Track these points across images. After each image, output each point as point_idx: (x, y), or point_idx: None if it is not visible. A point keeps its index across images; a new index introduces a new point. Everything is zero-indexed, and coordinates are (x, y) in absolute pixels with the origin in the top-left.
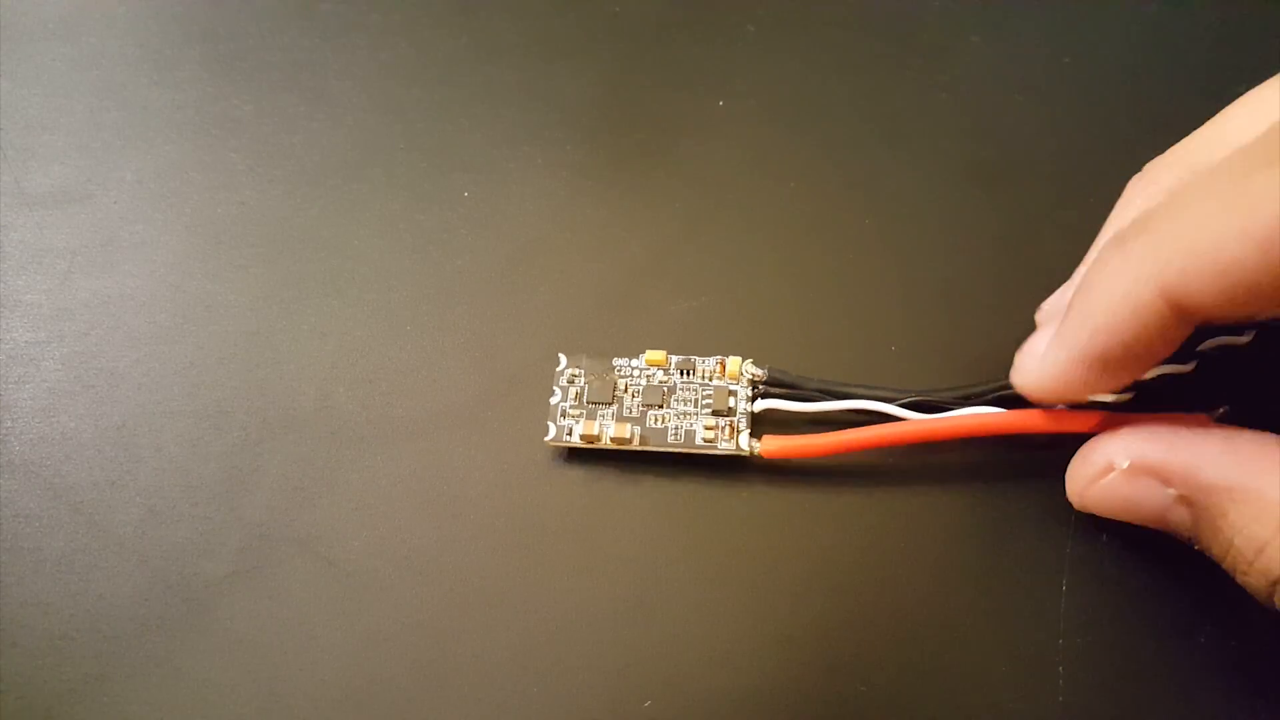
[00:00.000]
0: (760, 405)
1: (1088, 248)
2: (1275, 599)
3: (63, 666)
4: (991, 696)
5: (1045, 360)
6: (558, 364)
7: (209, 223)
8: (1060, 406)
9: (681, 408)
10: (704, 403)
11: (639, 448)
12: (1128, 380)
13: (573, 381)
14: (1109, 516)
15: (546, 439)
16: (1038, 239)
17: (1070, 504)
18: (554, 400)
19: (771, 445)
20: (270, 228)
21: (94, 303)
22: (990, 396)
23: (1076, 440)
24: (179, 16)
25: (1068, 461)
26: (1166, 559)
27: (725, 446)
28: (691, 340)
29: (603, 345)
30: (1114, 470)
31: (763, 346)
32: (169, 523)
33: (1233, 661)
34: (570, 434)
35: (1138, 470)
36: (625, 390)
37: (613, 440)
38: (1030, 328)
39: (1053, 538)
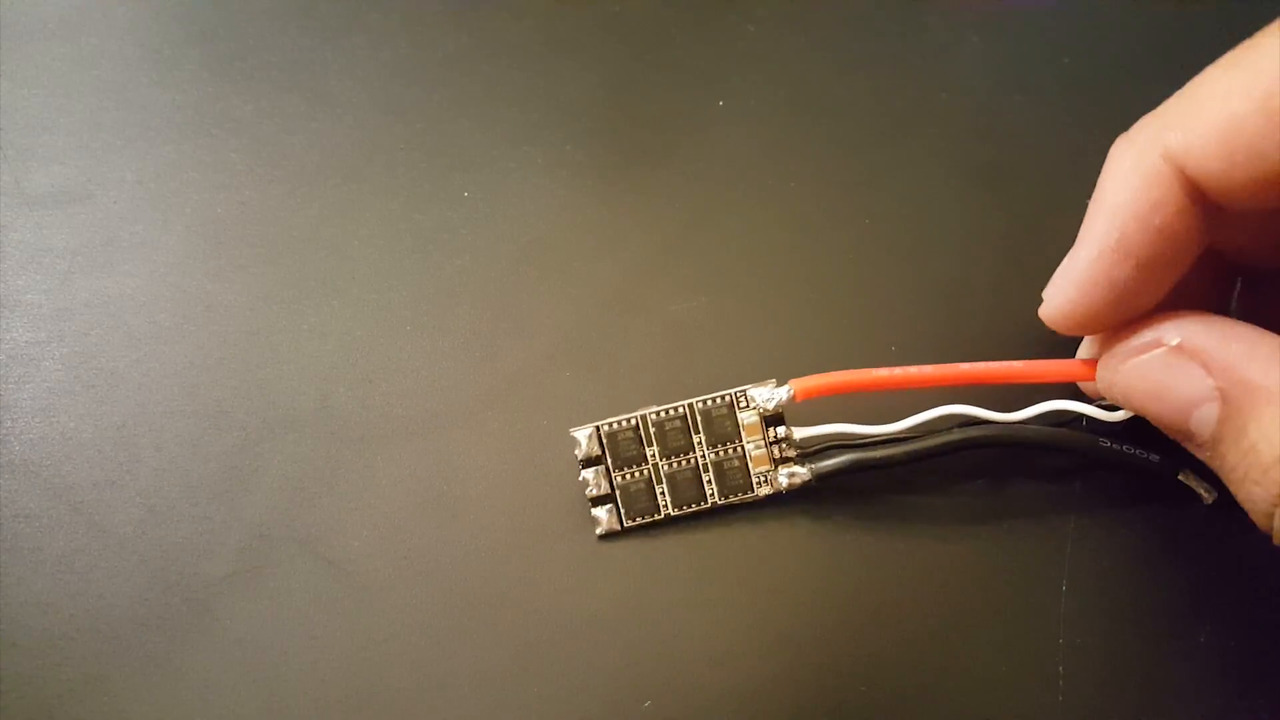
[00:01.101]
0: (798, 433)
1: None
2: (1276, 518)
3: (63, 666)
4: (991, 696)
5: (1068, 270)
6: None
7: (209, 222)
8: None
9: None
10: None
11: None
12: (1157, 289)
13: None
14: (1130, 404)
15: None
16: (1038, 239)
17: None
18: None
19: (807, 387)
20: (270, 228)
21: (94, 303)
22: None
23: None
24: (179, 16)
25: (1068, 458)
26: (1167, 559)
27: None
28: (691, 340)
29: (603, 345)
30: (1160, 348)
31: (762, 346)
32: (169, 523)
33: (1233, 661)
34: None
35: (1184, 351)
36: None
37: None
38: (1031, 327)
39: (1053, 538)
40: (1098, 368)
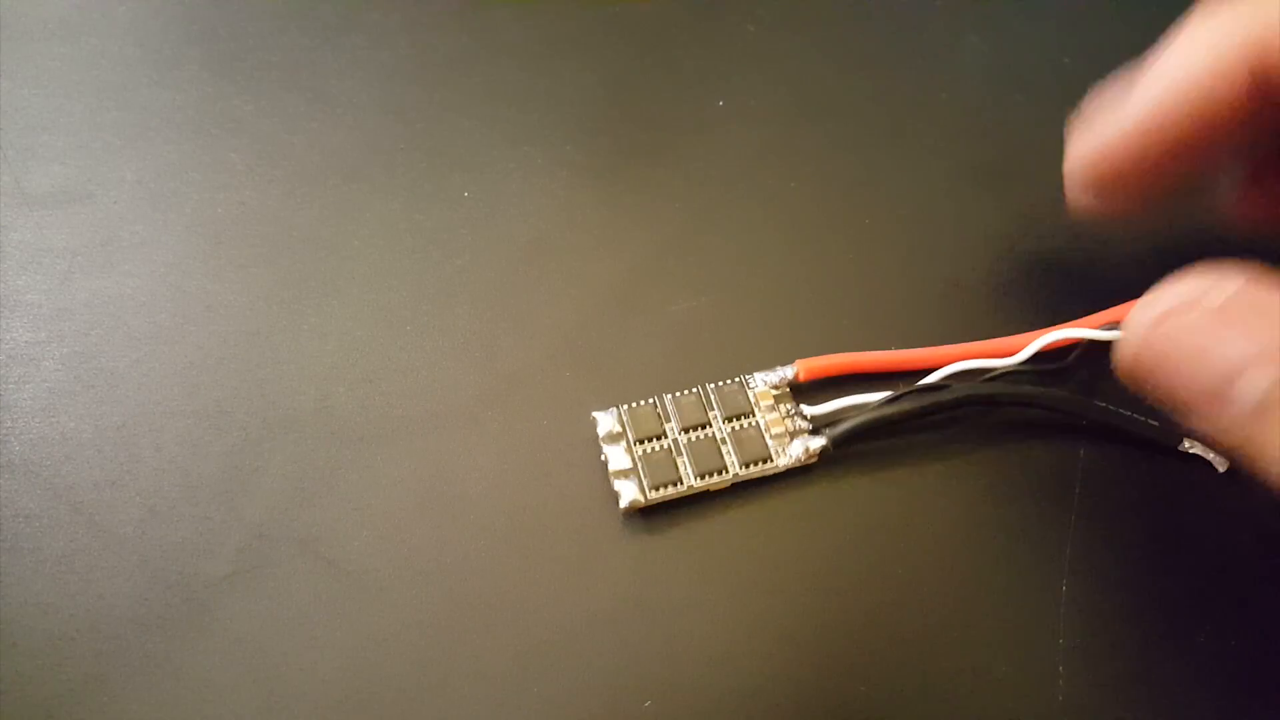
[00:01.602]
0: (810, 410)
1: (1087, 247)
2: None
3: (63, 666)
4: (991, 696)
5: (1110, 119)
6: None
7: (209, 223)
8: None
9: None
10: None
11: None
12: (1177, 177)
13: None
14: (1162, 372)
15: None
16: (1038, 239)
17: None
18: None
19: (812, 366)
20: (270, 227)
21: (94, 303)
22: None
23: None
24: (179, 16)
25: (1067, 462)
26: (1167, 560)
27: (783, 461)
28: (691, 340)
29: (603, 345)
30: (1200, 308)
31: (762, 346)
32: (169, 523)
33: (1233, 661)
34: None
35: (1229, 311)
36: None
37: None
38: (1032, 327)
39: (1053, 538)
40: (1123, 332)
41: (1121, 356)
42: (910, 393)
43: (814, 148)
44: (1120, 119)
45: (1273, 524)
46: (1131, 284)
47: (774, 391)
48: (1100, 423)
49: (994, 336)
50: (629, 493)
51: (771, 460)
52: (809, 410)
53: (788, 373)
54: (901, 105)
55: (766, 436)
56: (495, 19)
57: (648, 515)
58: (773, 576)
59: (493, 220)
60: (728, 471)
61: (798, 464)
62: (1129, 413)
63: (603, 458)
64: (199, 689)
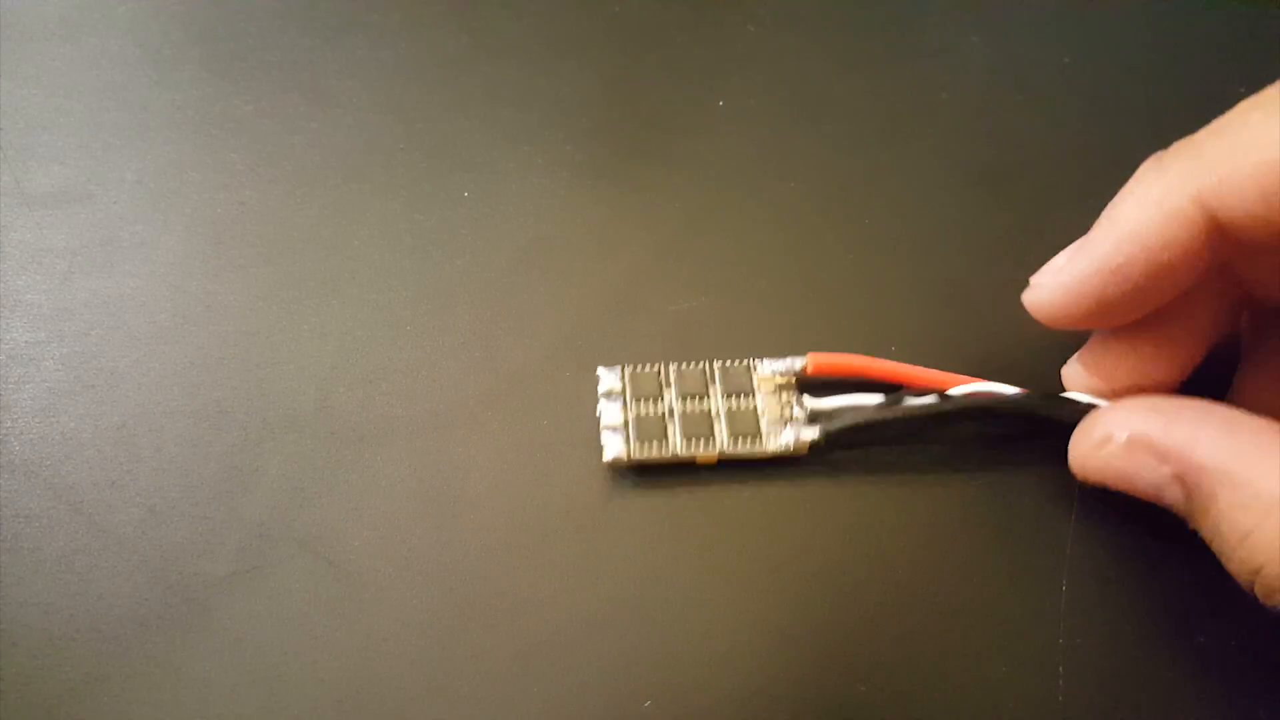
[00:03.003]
0: (812, 403)
1: None
2: (1256, 588)
3: (63, 666)
4: (991, 696)
5: (1064, 271)
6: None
7: (209, 223)
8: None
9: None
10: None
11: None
12: (1137, 313)
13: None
14: (1108, 487)
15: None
16: (1038, 239)
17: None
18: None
19: (821, 363)
20: (270, 227)
21: (94, 303)
22: None
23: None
24: (179, 16)
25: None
26: (1166, 560)
27: (771, 446)
28: (692, 340)
29: (603, 345)
30: (1112, 443)
31: (762, 346)
32: (169, 523)
33: (1233, 661)
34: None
35: (1135, 445)
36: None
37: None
38: (1032, 327)
39: (1053, 538)
40: (1069, 453)
41: (1073, 469)
42: (912, 398)
43: (814, 148)
44: (1070, 275)
45: None
46: None
47: (779, 379)
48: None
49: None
50: (615, 447)
51: (760, 441)
52: (810, 402)
53: (796, 364)
54: (901, 105)
55: (761, 419)
56: (495, 19)
57: (650, 509)
58: (772, 577)
59: (493, 220)
60: (714, 444)
61: (786, 452)
62: None
63: (597, 412)
64: (199, 689)
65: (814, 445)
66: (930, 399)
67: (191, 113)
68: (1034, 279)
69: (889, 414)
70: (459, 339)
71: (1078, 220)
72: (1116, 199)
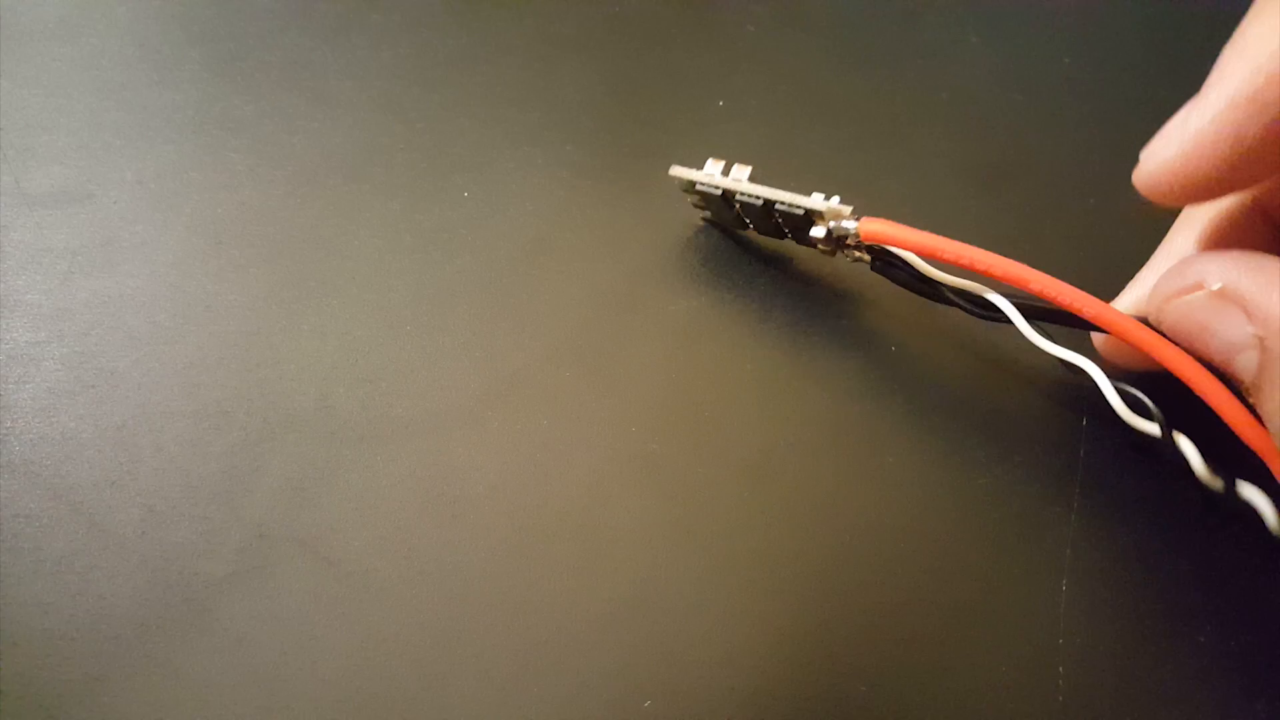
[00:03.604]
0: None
1: (1087, 248)
2: None
3: (63, 666)
4: (991, 696)
5: (1186, 122)
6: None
7: (209, 223)
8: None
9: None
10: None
11: (749, 188)
12: (1265, 173)
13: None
14: (1178, 341)
15: (672, 172)
16: (1038, 239)
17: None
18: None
19: (872, 228)
20: (271, 228)
21: (94, 303)
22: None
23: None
24: (179, 16)
25: (1068, 461)
26: (1166, 560)
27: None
28: (691, 340)
29: (603, 345)
30: (1202, 290)
31: (763, 346)
32: (169, 523)
33: (1233, 661)
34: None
35: (1226, 296)
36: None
37: (735, 191)
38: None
39: (1053, 538)
40: (1149, 296)
41: (1150, 315)
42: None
43: (813, 148)
44: (1199, 119)
45: None
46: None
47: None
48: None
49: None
50: (679, 168)
51: (807, 208)
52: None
53: (849, 226)
54: (901, 105)
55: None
56: (495, 19)
57: (650, 509)
58: (773, 576)
59: (493, 220)
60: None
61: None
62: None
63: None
64: (199, 689)
65: (854, 246)
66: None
67: (192, 113)
68: (1146, 150)
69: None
70: (459, 339)
71: (1078, 220)
72: (1238, 30)
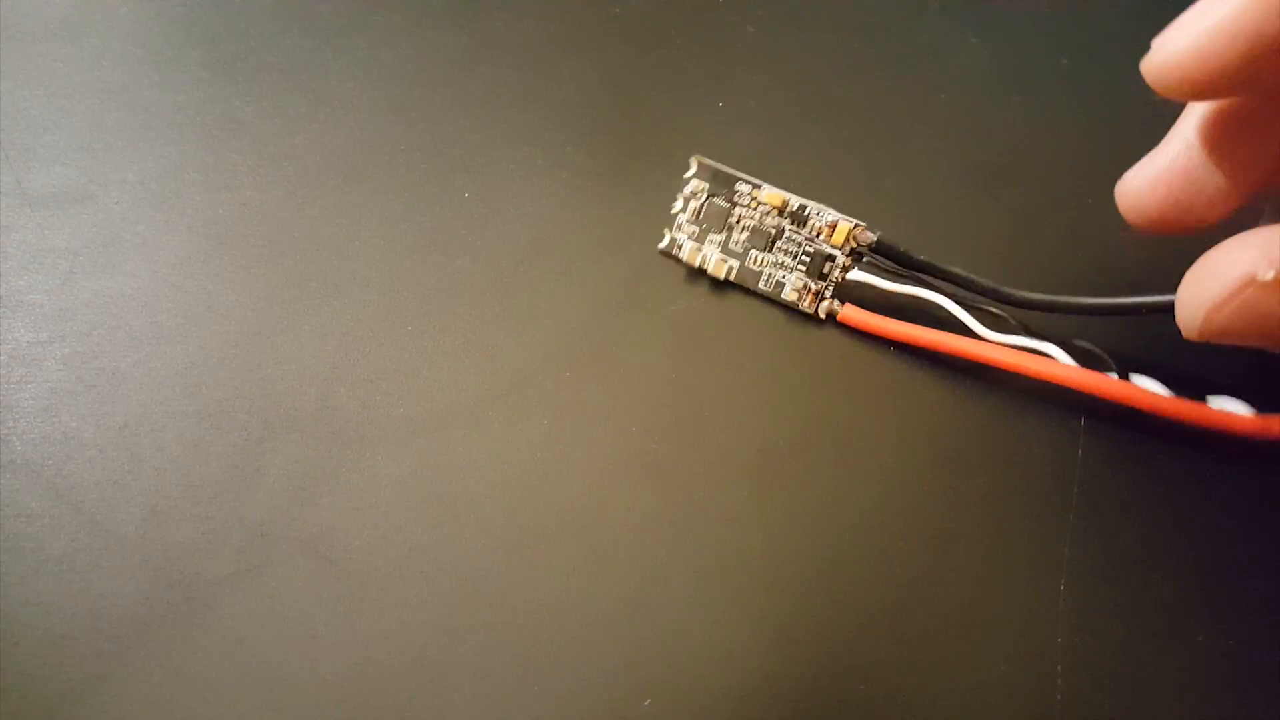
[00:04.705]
0: (854, 275)
1: (1087, 248)
2: None
3: (64, 666)
4: (990, 695)
5: (1208, 17)
6: (688, 169)
7: (210, 223)
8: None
9: (782, 257)
10: (802, 258)
11: (733, 279)
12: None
13: (695, 196)
14: (1233, 342)
15: (659, 246)
16: (1038, 239)
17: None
18: (675, 209)
19: (850, 314)
20: (272, 228)
21: (95, 303)
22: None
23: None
24: (181, 17)
25: (1066, 461)
26: (1166, 560)
27: (807, 307)
28: (691, 340)
29: (603, 345)
30: (1254, 284)
31: (762, 346)
32: (170, 522)
33: (1232, 661)
34: (680, 249)
35: None
36: (738, 222)
37: (711, 273)
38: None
39: (1052, 538)
40: (1178, 312)
41: (1186, 334)
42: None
43: (814, 148)
44: (1221, 8)
45: (1274, 523)
46: (1132, 285)
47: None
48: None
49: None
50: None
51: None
52: (858, 275)
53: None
54: (901, 105)
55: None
56: (495, 19)
57: (650, 508)
58: (772, 576)
59: (493, 220)
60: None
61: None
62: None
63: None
64: (200, 688)
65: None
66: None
67: (193, 113)
68: (1161, 37)
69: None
70: (459, 339)
71: (1078, 220)
72: None
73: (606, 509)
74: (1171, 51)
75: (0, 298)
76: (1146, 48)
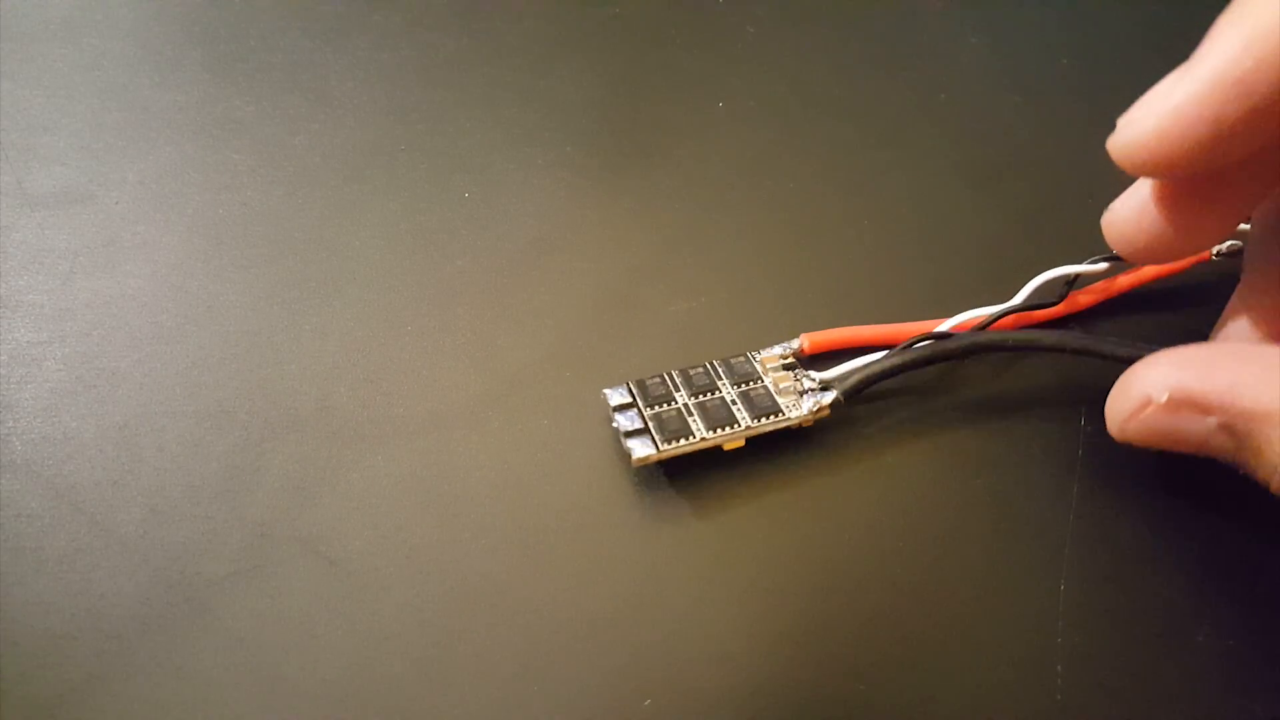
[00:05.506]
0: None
1: (1087, 248)
2: None
3: (64, 666)
4: (990, 696)
5: (1168, 94)
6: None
7: (211, 223)
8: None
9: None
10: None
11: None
12: (1250, 143)
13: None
14: (1152, 447)
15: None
16: (1037, 239)
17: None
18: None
19: (818, 338)
20: (272, 228)
21: (96, 303)
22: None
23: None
24: (181, 18)
25: (1066, 461)
26: (1166, 560)
27: (794, 414)
28: (692, 340)
29: (603, 345)
30: (1152, 404)
31: (763, 346)
32: (170, 522)
33: (1232, 661)
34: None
35: (1177, 403)
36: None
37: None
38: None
39: (1052, 538)
40: (1107, 419)
41: (1112, 432)
42: (916, 344)
43: (814, 148)
44: (1181, 92)
45: (1273, 522)
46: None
47: (781, 360)
48: (1102, 354)
49: None
50: (642, 449)
51: (782, 414)
52: (817, 374)
53: (793, 345)
54: (901, 105)
55: (775, 394)
56: (495, 19)
57: (650, 508)
58: (773, 576)
59: (493, 221)
60: (739, 425)
61: (810, 419)
62: (1127, 341)
63: (614, 425)
64: (200, 688)
65: (835, 404)
66: (929, 342)
67: (193, 114)
68: (1126, 116)
69: (898, 361)
70: (459, 339)
71: (1077, 220)
72: (1232, 3)
73: (606, 509)
74: (1137, 132)
75: (0, 298)
76: (1146, 48)
